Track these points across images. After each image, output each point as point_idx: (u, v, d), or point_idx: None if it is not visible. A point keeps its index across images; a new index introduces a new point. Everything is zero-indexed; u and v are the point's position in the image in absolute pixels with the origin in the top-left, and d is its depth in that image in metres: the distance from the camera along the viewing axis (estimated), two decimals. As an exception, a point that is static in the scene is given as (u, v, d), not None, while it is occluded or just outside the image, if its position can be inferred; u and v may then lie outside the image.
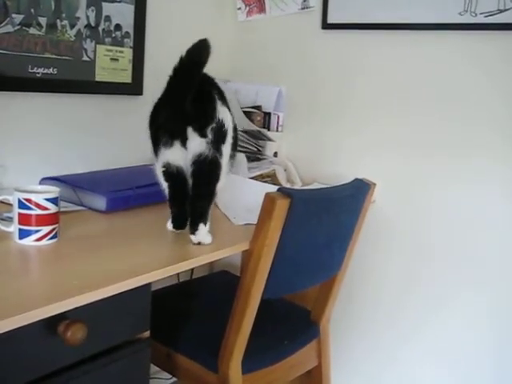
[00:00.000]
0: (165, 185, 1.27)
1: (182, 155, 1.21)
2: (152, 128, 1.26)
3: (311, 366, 1.62)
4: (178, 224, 1.29)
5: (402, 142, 1.84)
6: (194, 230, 1.21)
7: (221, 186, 1.26)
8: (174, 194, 1.26)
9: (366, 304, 1.97)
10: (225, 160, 1.24)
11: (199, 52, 1.20)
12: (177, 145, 1.20)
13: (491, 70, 1.68)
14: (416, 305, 1.87)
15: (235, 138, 1.31)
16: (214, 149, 1.20)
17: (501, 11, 1.63)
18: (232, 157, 1.30)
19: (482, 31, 1.67)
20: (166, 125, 1.20)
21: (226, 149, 1.25)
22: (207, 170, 1.21)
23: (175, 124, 1.19)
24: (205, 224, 1.22)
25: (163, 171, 1.24)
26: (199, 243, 1.21)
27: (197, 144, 1.19)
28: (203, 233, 1.22)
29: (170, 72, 1.23)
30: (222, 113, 1.23)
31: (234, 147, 1.31)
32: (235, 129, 1.31)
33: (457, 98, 1.74)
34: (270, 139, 2.01)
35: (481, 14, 1.66)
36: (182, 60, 1.18)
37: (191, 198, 1.23)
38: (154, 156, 1.26)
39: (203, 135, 1.19)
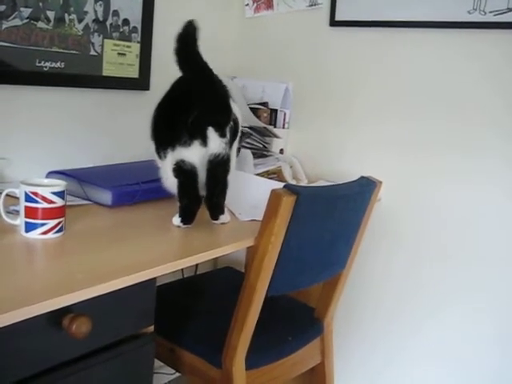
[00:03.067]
0: (174, 180, 1.28)
1: (199, 153, 1.23)
2: (163, 127, 1.27)
3: (314, 363, 1.62)
4: (187, 219, 1.29)
5: (409, 141, 1.84)
6: (215, 219, 1.33)
7: (230, 177, 1.31)
8: (185, 189, 1.28)
9: (370, 302, 1.97)
10: (233, 153, 1.30)
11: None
12: (196, 144, 1.22)
13: (498, 70, 1.67)
14: (420, 303, 1.87)
15: (241, 132, 1.36)
16: (228, 147, 1.25)
17: (510, 10, 1.61)
18: (238, 149, 1.37)
19: (491, 30, 1.66)
20: (185, 123, 1.21)
21: (235, 143, 1.31)
22: (223, 169, 1.27)
23: (196, 123, 1.21)
24: (223, 213, 1.33)
25: (175, 168, 1.25)
26: (222, 223, 1.34)
27: (217, 144, 1.23)
28: (223, 217, 1.33)
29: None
30: (235, 110, 1.28)
31: (240, 140, 1.37)
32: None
33: (465, 98, 1.73)
34: (276, 136, 2.00)
35: (490, 12, 1.65)
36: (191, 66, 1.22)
37: (208, 195, 1.29)
38: (162, 153, 1.27)
39: (223, 135, 1.22)
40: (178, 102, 1.26)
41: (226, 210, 1.35)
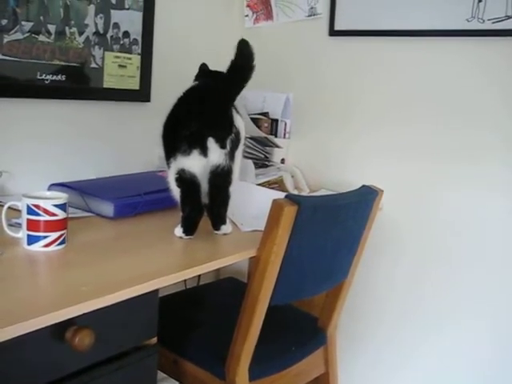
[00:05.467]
0: (177, 190, 1.28)
1: (199, 163, 1.24)
2: (168, 136, 1.28)
3: (318, 373, 1.62)
4: (188, 229, 1.30)
5: (410, 148, 1.84)
6: (217, 229, 1.33)
7: (232, 189, 1.31)
8: (186, 198, 1.29)
9: (373, 311, 1.96)
10: (237, 165, 1.30)
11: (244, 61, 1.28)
12: (195, 153, 1.23)
13: (498, 76, 1.67)
14: (424, 312, 1.86)
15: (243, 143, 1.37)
16: (229, 158, 1.25)
17: (509, 17, 1.62)
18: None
19: (490, 37, 1.66)
20: (186, 134, 1.22)
21: (238, 155, 1.31)
22: (224, 180, 1.27)
23: (196, 134, 1.22)
24: (225, 224, 1.34)
25: (177, 177, 1.26)
26: (224, 234, 1.35)
27: (216, 155, 1.23)
28: (224, 227, 1.34)
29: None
30: (237, 121, 1.29)
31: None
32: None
33: (464, 104, 1.73)
34: (277, 146, 2.01)
35: (488, 20, 1.65)
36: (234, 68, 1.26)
37: (210, 205, 1.30)
38: (167, 162, 1.28)
39: (223, 146, 1.23)
40: (182, 113, 1.27)
41: (228, 220, 1.35)
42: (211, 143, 1.22)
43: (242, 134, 1.31)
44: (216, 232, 1.34)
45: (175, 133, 1.25)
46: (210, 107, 1.23)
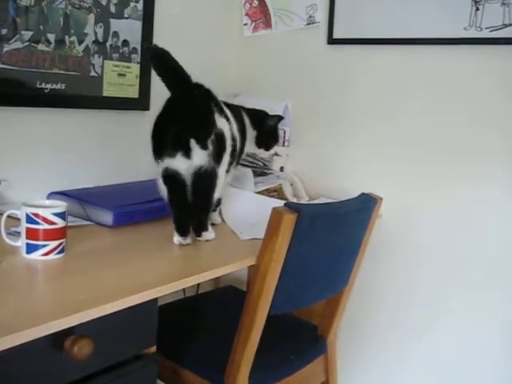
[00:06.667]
0: (165, 189, 1.29)
1: (183, 164, 1.25)
2: (154, 138, 1.29)
3: (319, 381, 1.61)
4: (181, 229, 1.30)
5: (410, 156, 1.84)
6: (198, 235, 1.33)
7: (217, 196, 1.33)
8: (172, 196, 1.29)
9: (373, 319, 1.96)
10: (222, 169, 1.31)
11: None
12: (179, 155, 1.24)
13: (496, 82, 1.68)
14: (423, 319, 1.86)
15: (234, 147, 1.39)
16: (213, 160, 1.26)
17: (506, 26, 1.63)
18: (231, 164, 1.39)
19: (487, 45, 1.67)
20: (169, 136, 1.24)
21: (225, 158, 1.32)
22: (205, 182, 1.28)
23: (178, 136, 1.23)
24: (206, 230, 1.34)
25: (163, 175, 1.28)
26: (206, 240, 1.34)
27: (199, 156, 1.24)
28: (206, 234, 1.34)
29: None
30: (221, 123, 1.30)
31: (233, 155, 1.39)
32: (234, 138, 1.39)
33: (463, 110, 1.74)
34: (276, 154, 2.01)
35: (486, 28, 1.66)
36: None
37: (192, 208, 1.29)
38: (156, 162, 1.29)
39: (204, 147, 1.24)
40: (165, 117, 1.28)
41: (210, 227, 1.35)
42: (193, 144, 1.23)
43: (227, 137, 1.33)
44: (198, 238, 1.34)
45: (160, 137, 1.27)
46: (190, 110, 1.25)
